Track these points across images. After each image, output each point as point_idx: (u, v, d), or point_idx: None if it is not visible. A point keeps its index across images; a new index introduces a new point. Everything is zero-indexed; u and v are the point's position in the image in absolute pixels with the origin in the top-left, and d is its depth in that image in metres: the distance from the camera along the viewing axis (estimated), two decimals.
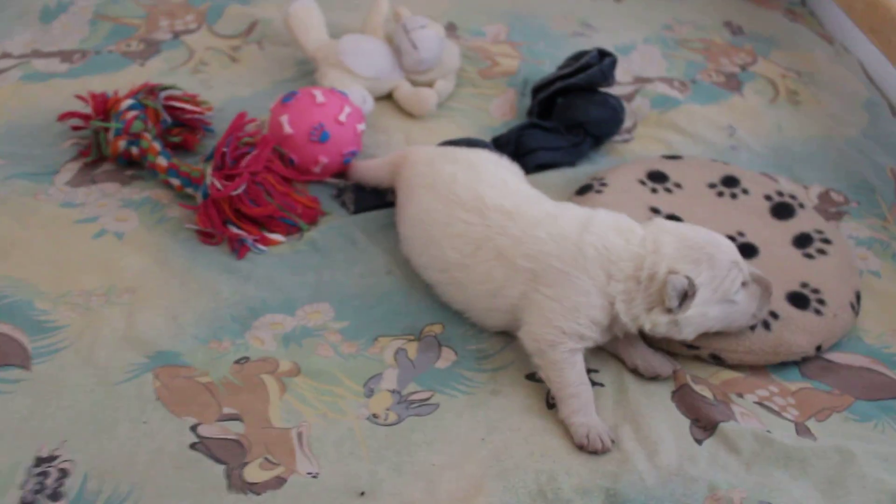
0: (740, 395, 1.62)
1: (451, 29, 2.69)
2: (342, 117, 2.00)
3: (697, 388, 1.61)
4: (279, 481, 1.44)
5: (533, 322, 1.60)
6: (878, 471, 1.47)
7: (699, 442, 1.53)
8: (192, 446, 1.48)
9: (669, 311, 1.55)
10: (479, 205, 1.70)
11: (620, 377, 1.64)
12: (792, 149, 2.28)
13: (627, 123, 2.32)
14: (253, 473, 1.45)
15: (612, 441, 1.51)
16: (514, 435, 1.53)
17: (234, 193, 1.86)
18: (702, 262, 1.56)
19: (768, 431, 1.53)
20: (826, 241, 1.86)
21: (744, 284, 1.60)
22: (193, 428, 1.51)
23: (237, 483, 1.43)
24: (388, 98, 2.38)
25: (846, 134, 2.36)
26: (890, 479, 1.46)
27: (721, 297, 1.57)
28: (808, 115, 2.42)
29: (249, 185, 1.88)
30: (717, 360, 1.66)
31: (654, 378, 1.63)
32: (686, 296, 1.54)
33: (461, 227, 1.70)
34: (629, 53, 2.63)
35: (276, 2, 2.79)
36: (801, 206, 1.95)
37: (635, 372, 1.64)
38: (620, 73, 2.47)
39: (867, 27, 2.39)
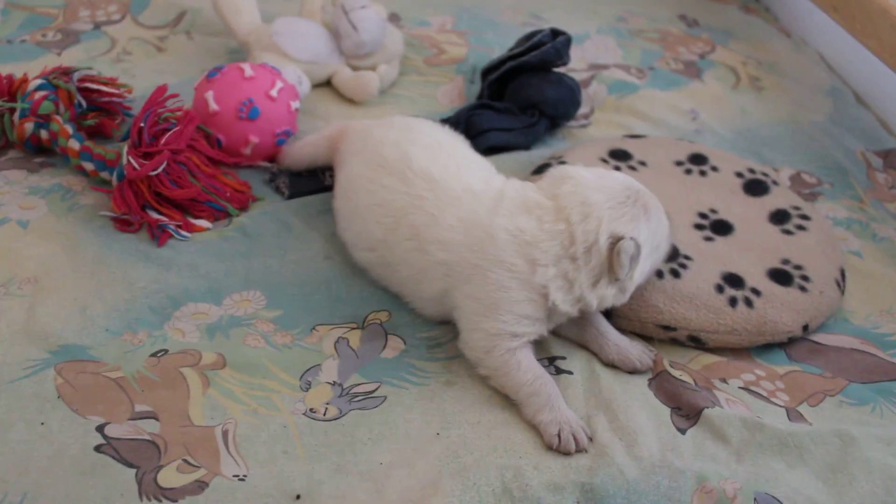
0: (724, 381, 1.45)
1: (394, 19, 2.53)
2: (273, 92, 1.82)
3: (677, 373, 1.44)
4: (199, 486, 1.23)
5: (462, 329, 1.42)
6: (883, 455, 1.31)
7: (682, 431, 1.35)
8: (98, 448, 1.27)
9: (617, 280, 1.36)
10: (405, 167, 1.51)
11: (591, 364, 1.46)
12: (758, 132, 2.15)
13: (584, 109, 2.16)
14: (169, 477, 1.24)
15: (590, 439, 1.33)
16: (473, 429, 1.34)
17: (153, 173, 1.66)
18: (639, 217, 1.37)
19: (758, 417, 1.36)
20: (804, 217, 1.72)
21: None
22: (100, 428, 1.30)
23: (150, 489, 1.22)
24: (327, 85, 2.20)
25: (812, 119, 2.23)
26: None
27: (653, 247, 1.41)
28: (773, 101, 2.29)
29: (171, 164, 1.68)
30: (696, 343, 1.50)
31: (633, 372, 1.45)
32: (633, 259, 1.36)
33: (383, 194, 1.51)
34: (583, 42, 2.49)
35: None
36: (775, 183, 1.81)
37: (612, 367, 1.46)
38: (574, 61, 2.33)
39: (829, 6, 2.29)
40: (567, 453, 1.30)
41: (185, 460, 1.26)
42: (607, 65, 2.38)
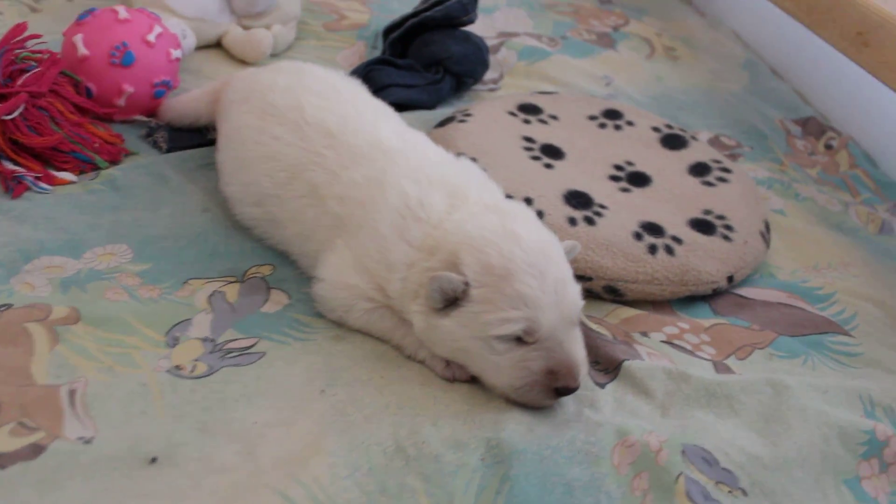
0: (645, 334, 1.32)
1: None
2: (151, 37, 1.64)
3: (593, 326, 1.30)
4: (35, 450, 1.03)
5: (323, 278, 1.25)
6: (818, 403, 1.19)
7: (601, 386, 1.21)
8: None
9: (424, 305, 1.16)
10: (298, 118, 1.35)
11: None
12: (675, 97, 2.05)
13: (493, 74, 2.03)
14: None
15: None
16: (363, 386, 1.18)
17: (8, 117, 1.46)
18: (494, 271, 1.10)
19: (683, 369, 1.23)
20: (725, 169, 1.61)
21: (520, 340, 1.11)
22: None
23: None
24: (217, 46, 2.03)
25: (729, 88, 2.15)
26: (833, 411, 1.18)
27: (477, 330, 1.12)
28: (689, 70, 2.20)
29: (29, 109, 1.49)
30: (613, 294, 1.36)
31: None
32: (453, 302, 1.13)
33: (274, 146, 1.34)
34: (492, 13, 2.37)
35: None
36: (694, 138, 1.70)
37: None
38: (482, 29, 2.20)
39: None
40: (464, 380, 1.18)
41: (20, 423, 1.07)
42: (517, 33, 2.26)
